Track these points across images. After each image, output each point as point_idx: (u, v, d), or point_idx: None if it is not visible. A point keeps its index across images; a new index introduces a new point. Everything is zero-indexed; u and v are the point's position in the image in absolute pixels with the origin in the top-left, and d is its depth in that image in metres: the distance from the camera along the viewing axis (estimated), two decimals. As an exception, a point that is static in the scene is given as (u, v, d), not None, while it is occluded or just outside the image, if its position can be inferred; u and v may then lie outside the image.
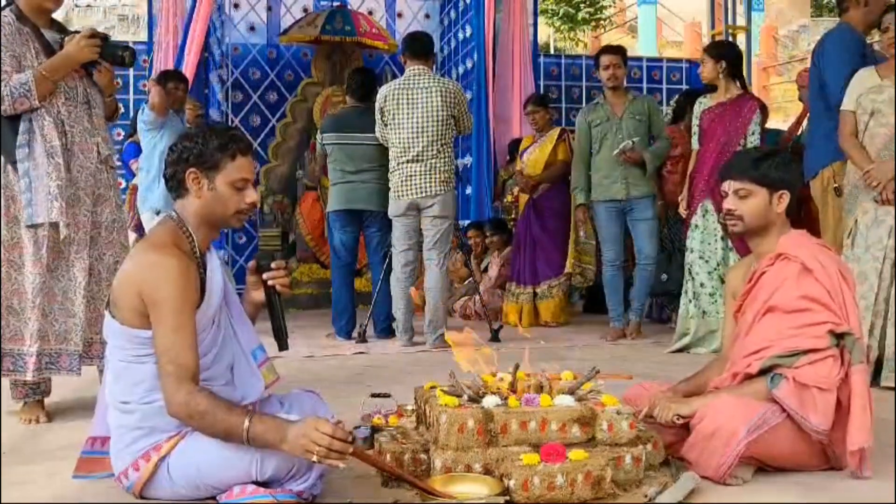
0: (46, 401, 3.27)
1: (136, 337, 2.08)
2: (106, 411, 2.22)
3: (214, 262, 2.24)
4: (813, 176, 4.32)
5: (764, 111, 5.07)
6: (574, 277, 6.30)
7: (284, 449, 1.94)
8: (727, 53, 5.02)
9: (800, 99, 5.89)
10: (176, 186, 2.21)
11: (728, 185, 2.55)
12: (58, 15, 3.34)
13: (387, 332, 5.52)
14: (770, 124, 6.08)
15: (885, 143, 3.75)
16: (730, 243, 4.80)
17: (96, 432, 2.31)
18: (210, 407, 1.98)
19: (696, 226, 4.88)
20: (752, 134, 4.82)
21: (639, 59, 9.37)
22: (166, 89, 5.28)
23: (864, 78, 3.86)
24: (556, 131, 6.33)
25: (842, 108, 3.92)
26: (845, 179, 3.99)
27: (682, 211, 5.03)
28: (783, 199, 2.50)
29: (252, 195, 2.22)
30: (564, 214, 6.08)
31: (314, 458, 1.90)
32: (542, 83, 8.15)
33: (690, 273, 4.91)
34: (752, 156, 2.58)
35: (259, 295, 2.37)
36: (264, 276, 2.33)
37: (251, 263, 2.40)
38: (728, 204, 2.55)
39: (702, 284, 4.85)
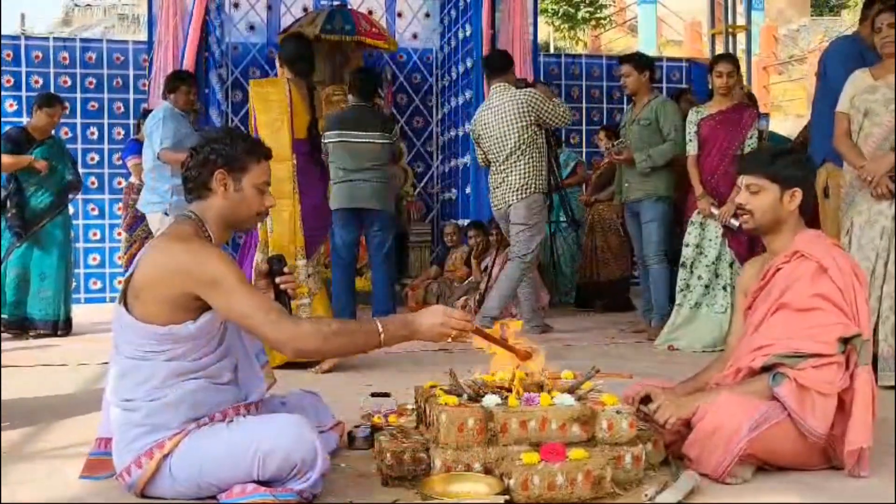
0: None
1: (151, 333, 2.07)
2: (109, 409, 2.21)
3: None
4: None
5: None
6: None
7: (419, 338, 2.15)
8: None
9: None
10: (198, 188, 2.21)
11: (741, 181, 2.57)
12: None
13: (386, 331, 5.51)
14: (771, 124, 6.10)
15: (879, 143, 3.77)
16: (727, 241, 4.92)
17: (104, 433, 2.29)
18: (340, 325, 2.16)
19: (693, 223, 5.04)
20: (751, 138, 5.02)
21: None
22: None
23: (858, 79, 3.89)
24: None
25: (836, 109, 3.98)
26: (841, 180, 4.01)
27: (717, 212, 4.98)
28: (795, 197, 2.50)
29: (271, 199, 2.29)
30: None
31: (450, 339, 2.15)
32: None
33: (685, 267, 5.04)
34: (768, 152, 2.62)
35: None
36: (276, 280, 2.33)
37: (262, 266, 2.40)
38: (740, 199, 2.56)
39: (699, 277, 4.98)
